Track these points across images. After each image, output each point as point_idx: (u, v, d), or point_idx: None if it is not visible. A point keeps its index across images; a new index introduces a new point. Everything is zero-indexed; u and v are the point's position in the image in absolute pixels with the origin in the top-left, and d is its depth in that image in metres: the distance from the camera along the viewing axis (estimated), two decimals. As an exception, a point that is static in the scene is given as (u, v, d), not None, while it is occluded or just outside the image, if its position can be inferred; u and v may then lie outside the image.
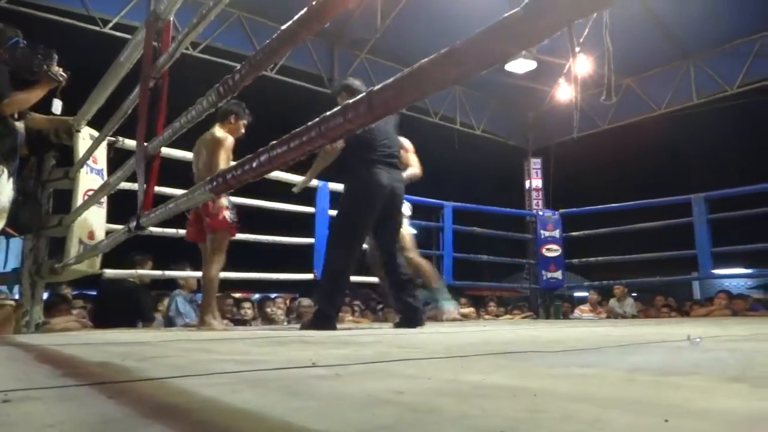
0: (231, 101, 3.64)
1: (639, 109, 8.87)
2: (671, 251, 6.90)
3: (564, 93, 8.39)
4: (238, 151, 3.88)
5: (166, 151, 3.49)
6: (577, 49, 1.89)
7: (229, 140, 3.88)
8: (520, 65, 7.86)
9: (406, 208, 4.55)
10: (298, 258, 5.79)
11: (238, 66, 1.54)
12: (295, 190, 4.35)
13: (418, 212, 8.25)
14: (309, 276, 5.43)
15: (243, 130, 4.05)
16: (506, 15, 0.94)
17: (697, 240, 6.31)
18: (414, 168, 4.47)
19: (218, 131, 3.87)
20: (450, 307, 4.29)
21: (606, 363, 1.27)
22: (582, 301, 9.06)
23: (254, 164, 1.33)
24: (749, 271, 12.62)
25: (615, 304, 7.84)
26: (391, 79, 1.07)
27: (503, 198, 9.34)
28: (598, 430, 0.58)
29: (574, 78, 2.01)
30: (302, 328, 3.61)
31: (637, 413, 0.67)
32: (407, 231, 4.54)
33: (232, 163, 3.68)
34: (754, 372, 1.03)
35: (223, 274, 4.17)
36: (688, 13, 7.31)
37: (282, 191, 5.22)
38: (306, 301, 6.50)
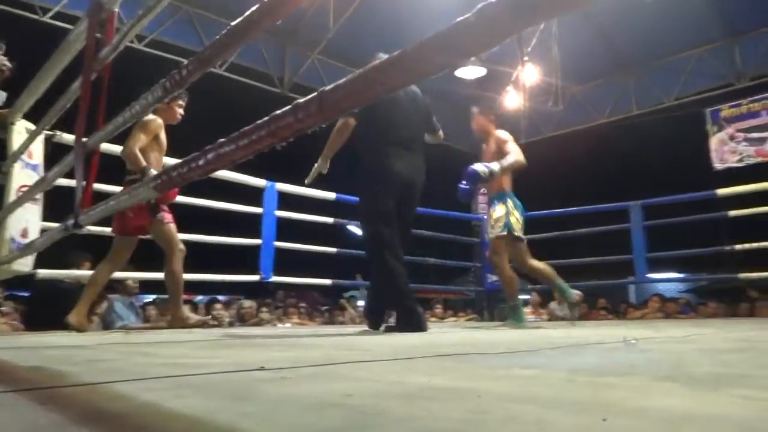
0: None
1: (583, 118, 9.19)
2: (611, 256, 7.16)
3: (512, 100, 8.58)
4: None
5: (106, 146, 3.38)
6: (526, 57, 1.94)
7: (155, 123, 3.67)
8: (470, 72, 8.00)
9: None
10: (245, 259, 5.70)
11: (186, 61, 1.50)
12: (307, 180, 3.84)
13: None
14: (255, 278, 5.35)
15: (181, 111, 3.84)
16: (457, 20, 0.95)
17: (634, 245, 6.58)
18: (512, 155, 4.07)
19: (145, 117, 3.51)
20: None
21: (547, 364, 1.31)
22: (525, 303, 9.28)
23: (201, 162, 1.30)
24: (681, 275, 13.25)
25: (555, 306, 8.06)
26: (343, 80, 1.06)
27: (450, 202, 9.47)
28: (541, 431, 0.60)
29: (522, 86, 2.05)
30: (386, 330, 3.40)
31: (578, 413, 0.69)
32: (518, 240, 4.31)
33: (137, 157, 3.50)
34: (685, 372, 1.08)
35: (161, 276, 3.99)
36: (631, 28, 7.63)
37: (228, 190, 5.11)
38: (248, 303, 6.40)
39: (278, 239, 5.45)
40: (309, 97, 1.18)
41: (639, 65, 8.62)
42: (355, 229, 16.00)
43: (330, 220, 6.05)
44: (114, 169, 3.71)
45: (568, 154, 11.22)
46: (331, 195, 5.93)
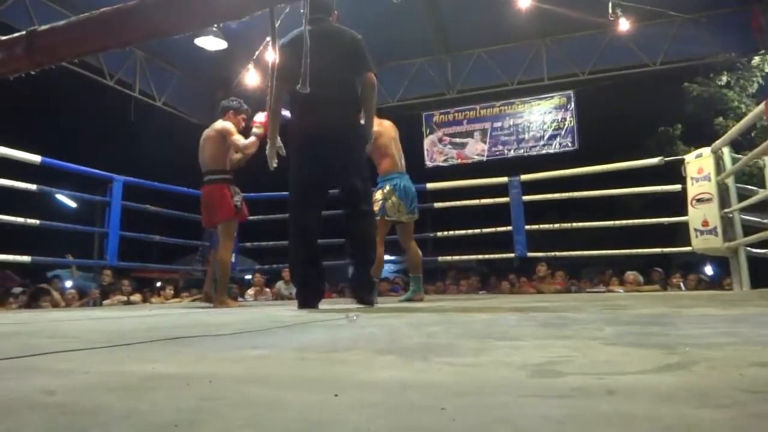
0: (230, 98, 4.71)
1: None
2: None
3: (252, 78, 8.49)
4: None
5: None
6: (274, 37, 1.91)
7: (232, 127, 4.38)
8: (210, 42, 7.65)
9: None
10: None
11: None
12: (272, 167, 3.35)
13: (81, 184, 7.32)
14: None
15: (243, 124, 4.50)
16: (207, -19, 0.88)
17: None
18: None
19: (219, 124, 4.42)
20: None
21: (277, 344, 1.32)
22: (248, 285, 9.33)
23: None
24: (393, 258, 14.88)
25: (282, 286, 8.30)
26: (63, 22, 0.90)
27: (182, 177, 8.98)
28: (276, 412, 0.59)
29: (272, 65, 2.02)
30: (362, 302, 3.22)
31: (311, 390, 0.70)
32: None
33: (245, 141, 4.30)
34: (400, 344, 1.20)
35: None
36: (373, 27, 8.09)
37: None
38: None
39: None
40: (14, 35, 0.98)
41: (374, 64, 9.32)
42: (66, 199, 14.08)
43: (33, 186, 5.19)
44: None
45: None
46: (35, 158, 5.09)
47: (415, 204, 4.61)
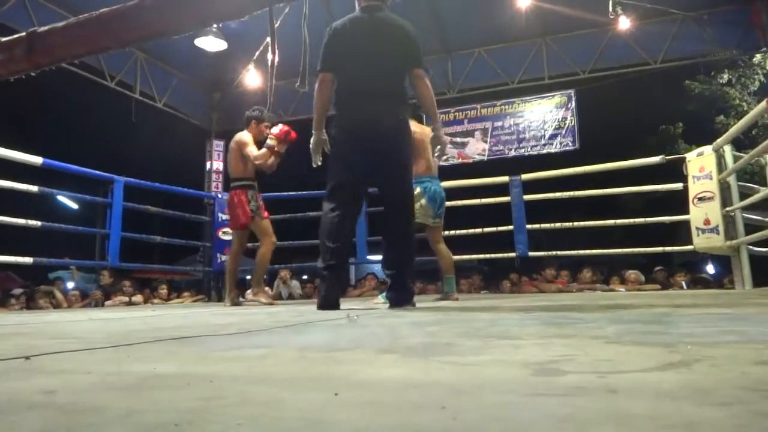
0: (253, 108, 5.02)
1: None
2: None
3: (253, 79, 8.49)
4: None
5: None
6: (272, 37, 1.91)
7: (251, 138, 4.74)
8: (210, 43, 7.66)
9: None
10: None
11: None
12: (315, 164, 3.25)
13: (83, 185, 7.33)
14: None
15: (267, 132, 4.75)
16: (207, -20, 0.88)
17: (357, 231, 7.13)
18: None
19: (238, 135, 4.82)
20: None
21: (278, 343, 1.32)
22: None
23: None
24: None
25: (281, 285, 8.31)
26: (62, 23, 0.90)
27: (181, 177, 8.97)
28: (276, 411, 0.59)
29: (271, 63, 2.01)
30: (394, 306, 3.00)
31: (311, 390, 0.70)
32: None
33: (256, 153, 4.65)
34: (402, 343, 1.20)
35: None
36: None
37: None
38: None
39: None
40: (14, 36, 0.98)
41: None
42: (67, 201, 14.06)
43: (34, 188, 5.19)
44: None
45: (300, 140, 11.57)
46: (37, 159, 5.10)
47: (442, 209, 4.64)
